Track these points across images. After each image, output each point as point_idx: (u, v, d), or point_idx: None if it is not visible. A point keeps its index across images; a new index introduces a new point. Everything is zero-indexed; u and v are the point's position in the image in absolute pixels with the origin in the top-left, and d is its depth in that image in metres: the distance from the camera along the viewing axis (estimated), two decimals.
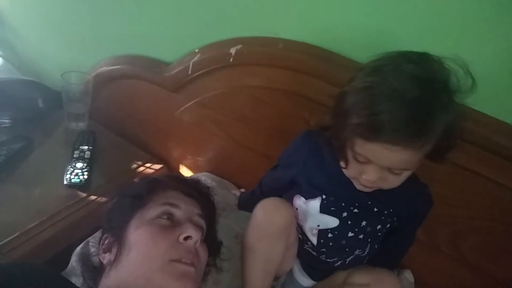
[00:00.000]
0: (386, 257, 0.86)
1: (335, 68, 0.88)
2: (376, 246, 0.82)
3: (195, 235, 0.69)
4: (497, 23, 0.73)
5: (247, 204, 1.02)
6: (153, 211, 0.72)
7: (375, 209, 0.78)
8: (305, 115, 0.93)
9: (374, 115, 0.59)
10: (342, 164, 0.70)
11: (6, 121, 1.20)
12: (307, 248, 0.85)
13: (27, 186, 1.02)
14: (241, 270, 0.84)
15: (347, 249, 0.80)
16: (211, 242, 0.82)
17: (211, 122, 1.16)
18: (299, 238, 0.86)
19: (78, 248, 0.87)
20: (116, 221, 0.74)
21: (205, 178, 1.19)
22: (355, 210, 0.78)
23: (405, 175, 0.66)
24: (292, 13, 0.92)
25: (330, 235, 0.79)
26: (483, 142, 0.79)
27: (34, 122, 1.24)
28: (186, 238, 0.69)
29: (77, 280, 0.78)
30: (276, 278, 0.90)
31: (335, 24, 0.88)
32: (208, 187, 0.89)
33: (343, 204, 0.78)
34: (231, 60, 1.01)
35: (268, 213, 0.78)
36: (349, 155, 0.67)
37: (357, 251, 0.81)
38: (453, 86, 0.61)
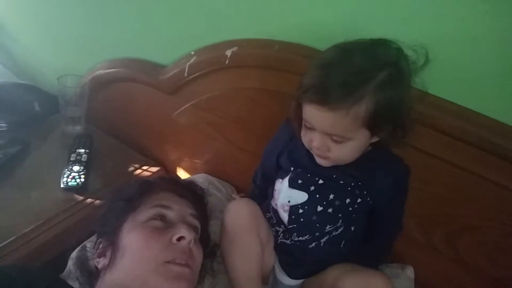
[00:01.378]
0: (374, 247, 0.86)
1: None
2: (352, 228, 0.82)
3: (188, 235, 0.69)
4: (491, 22, 0.73)
5: None
6: (145, 213, 0.73)
7: (341, 182, 0.79)
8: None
9: (311, 78, 0.67)
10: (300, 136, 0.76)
11: (3, 125, 1.20)
12: (282, 240, 0.86)
13: (24, 189, 1.02)
14: (228, 279, 0.84)
15: (317, 225, 0.81)
16: (206, 242, 0.82)
17: (208, 125, 1.17)
18: (274, 233, 0.88)
19: (75, 252, 0.87)
20: (109, 226, 0.74)
21: (202, 180, 1.19)
22: (321, 181, 0.80)
23: (349, 146, 0.70)
24: (287, 15, 0.93)
25: (300, 210, 0.81)
26: (478, 141, 0.79)
27: (30, 125, 1.24)
28: (179, 239, 0.69)
29: (73, 284, 0.78)
30: (265, 282, 0.90)
31: (330, 26, 0.89)
32: (203, 189, 0.89)
33: (309, 175, 0.81)
34: (227, 62, 1.01)
35: (231, 214, 0.82)
36: (302, 122, 0.74)
37: (328, 226, 0.81)
38: (399, 67, 0.66)
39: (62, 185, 1.04)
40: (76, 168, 1.08)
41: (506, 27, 0.72)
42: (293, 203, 0.82)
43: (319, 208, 0.80)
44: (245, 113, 1.08)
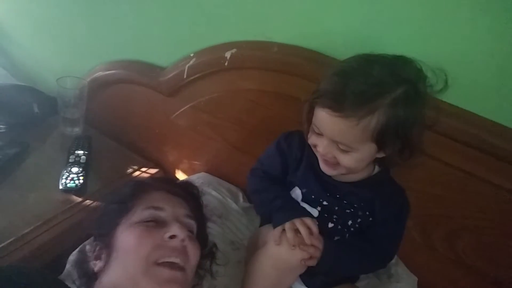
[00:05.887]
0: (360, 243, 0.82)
1: None
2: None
3: (180, 234, 0.69)
4: (487, 25, 0.74)
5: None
6: (138, 215, 0.72)
7: (345, 201, 0.79)
8: None
9: (328, 84, 0.67)
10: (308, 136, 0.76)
11: (1, 126, 1.19)
12: None
13: (22, 191, 1.01)
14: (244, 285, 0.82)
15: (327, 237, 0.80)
16: (203, 241, 0.81)
17: (207, 126, 1.17)
18: None
19: (73, 253, 0.87)
20: (104, 228, 0.75)
21: (202, 179, 1.19)
22: (325, 203, 0.80)
23: (354, 156, 0.70)
24: (286, 17, 0.93)
25: None
26: (476, 142, 0.80)
27: (29, 127, 1.24)
28: (172, 237, 0.69)
29: (72, 285, 0.78)
30: None
31: (328, 28, 0.89)
32: (197, 188, 0.89)
33: (313, 196, 0.81)
34: (226, 64, 1.01)
35: (288, 249, 0.74)
36: (311, 127, 0.74)
37: (336, 237, 0.81)
38: (417, 87, 0.65)
39: (60, 187, 1.04)
40: (74, 169, 1.08)
41: (503, 30, 0.73)
42: None
43: (330, 225, 0.81)
44: (244, 114, 1.08)
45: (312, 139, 0.74)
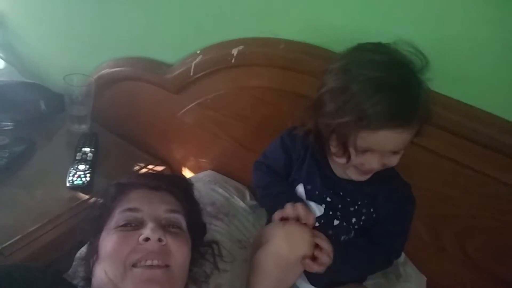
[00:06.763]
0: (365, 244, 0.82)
1: None
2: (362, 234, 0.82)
3: (153, 235, 0.67)
4: (497, 20, 0.72)
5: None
6: (115, 220, 0.71)
7: (348, 199, 0.79)
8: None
9: (373, 106, 0.62)
10: (342, 160, 0.71)
11: (9, 123, 1.20)
12: None
13: (29, 188, 1.02)
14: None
15: (333, 237, 0.79)
16: (200, 229, 0.81)
17: (213, 123, 1.16)
18: None
19: (79, 252, 0.87)
20: (91, 234, 0.75)
21: (209, 177, 1.19)
22: (328, 199, 0.79)
23: (401, 154, 0.70)
24: (293, 14, 0.92)
25: (316, 224, 0.78)
26: (487, 141, 0.79)
27: (36, 124, 1.24)
28: (147, 240, 0.67)
29: (79, 283, 0.78)
30: None
31: (336, 25, 0.88)
32: (185, 178, 0.87)
33: (317, 193, 0.80)
34: (233, 61, 1.01)
35: (291, 244, 0.73)
36: (351, 150, 0.69)
37: (343, 237, 0.80)
38: (415, 66, 0.66)
39: (67, 184, 1.04)
40: (81, 167, 1.09)
41: None
42: None
43: (336, 222, 0.80)
44: (251, 111, 1.08)
45: (356, 160, 0.70)
